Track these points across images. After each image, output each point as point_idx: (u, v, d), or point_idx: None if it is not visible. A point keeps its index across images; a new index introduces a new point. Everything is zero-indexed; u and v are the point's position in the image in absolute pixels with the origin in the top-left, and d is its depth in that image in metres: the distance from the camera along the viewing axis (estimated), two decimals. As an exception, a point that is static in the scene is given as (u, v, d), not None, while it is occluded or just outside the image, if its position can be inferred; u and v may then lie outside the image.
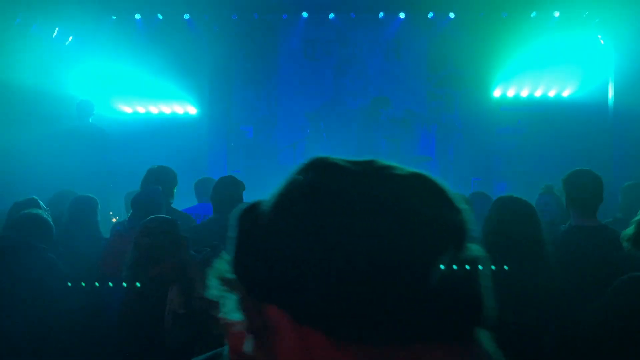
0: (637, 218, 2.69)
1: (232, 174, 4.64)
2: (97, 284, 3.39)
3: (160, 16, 9.07)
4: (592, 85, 8.76)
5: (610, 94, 8.54)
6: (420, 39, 9.54)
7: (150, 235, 2.84)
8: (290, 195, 0.63)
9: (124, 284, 2.86)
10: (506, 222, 3.08)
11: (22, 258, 3.36)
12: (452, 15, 9.07)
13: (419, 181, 0.64)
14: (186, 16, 9.11)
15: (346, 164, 0.64)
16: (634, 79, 7.87)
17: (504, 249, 3.03)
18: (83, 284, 3.39)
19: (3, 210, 4.39)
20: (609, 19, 8.22)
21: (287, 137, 9.59)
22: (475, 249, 0.64)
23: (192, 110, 9.60)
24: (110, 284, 3.27)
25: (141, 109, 9.64)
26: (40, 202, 4.27)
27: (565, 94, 9.10)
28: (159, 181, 4.34)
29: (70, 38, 8.94)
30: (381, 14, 9.26)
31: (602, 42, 8.62)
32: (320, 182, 0.63)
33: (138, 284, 2.81)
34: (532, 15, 8.60)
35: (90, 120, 7.50)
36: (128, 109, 9.58)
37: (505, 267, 3.03)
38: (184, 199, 5.35)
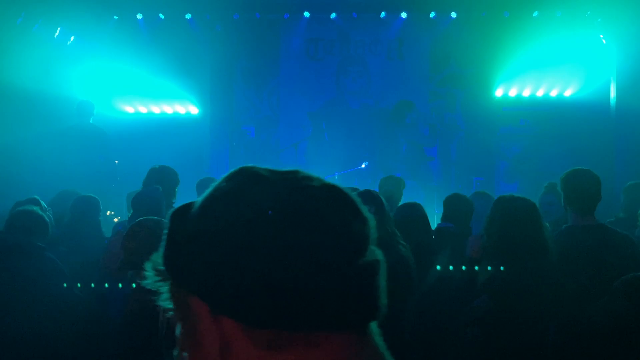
0: None
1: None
2: (92, 285, 3.39)
3: (162, 16, 9.07)
4: (594, 85, 8.74)
5: (613, 93, 8.52)
6: (422, 38, 9.53)
7: (136, 239, 2.80)
8: (213, 199, 0.73)
9: (120, 285, 2.85)
10: (508, 221, 3.08)
11: (20, 258, 3.35)
12: (454, 14, 9.06)
13: (331, 192, 0.73)
14: (188, 16, 9.11)
15: (268, 174, 0.74)
16: (636, 78, 7.86)
17: (507, 248, 3.03)
18: (79, 284, 3.39)
19: (5, 210, 4.40)
20: (611, 18, 8.20)
21: (289, 137, 9.59)
22: (377, 253, 0.73)
23: (194, 110, 9.61)
24: (107, 284, 3.27)
25: (143, 109, 9.64)
26: (42, 202, 4.28)
27: (568, 93, 9.09)
28: (161, 181, 4.35)
29: (72, 38, 8.94)
30: (383, 14, 9.25)
31: (604, 41, 8.60)
32: (240, 189, 0.72)
33: (134, 285, 2.80)
34: (534, 15, 8.59)
35: (90, 121, 7.51)
36: (130, 109, 9.59)
37: (502, 268, 3.03)
38: (185, 199, 5.34)
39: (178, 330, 0.74)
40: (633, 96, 7.87)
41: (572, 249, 3.16)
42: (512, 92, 9.21)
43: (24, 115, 7.42)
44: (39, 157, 6.91)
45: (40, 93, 7.64)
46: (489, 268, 3.10)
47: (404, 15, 9.24)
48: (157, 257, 0.75)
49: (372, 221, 0.75)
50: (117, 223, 4.93)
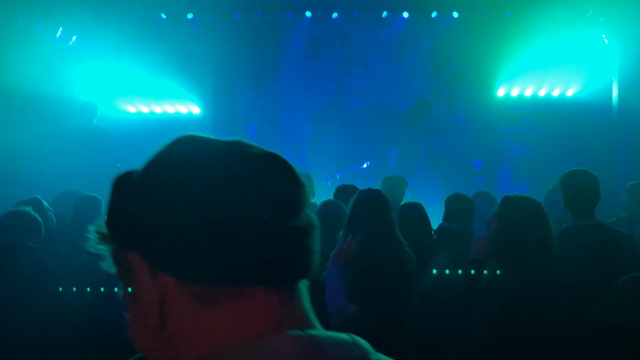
0: None
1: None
2: (88, 289, 3.38)
3: (163, 16, 9.08)
4: (596, 85, 8.73)
5: (615, 93, 8.51)
6: (423, 38, 9.52)
7: None
8: (153, 163, 0.77)
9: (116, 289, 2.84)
10: (514, 221, 3.07)
11: (8, 259, 3.34)
12: (455, 14, 9.06)
13: (270, 159, 0.77)
14: (189, 15, 9.12)
15: (209, 140, 0.79)
16: (638, 78, 7.85)
17: (512, 248, 3.02)
18: (75, 289, 3.38)
19: (6, 210, 4.40)
20: (613, 18, 8.19)
21: (291, 137, 9.60)
22: (312, 217, 0.77)
23: (196, 109, 9.61)
24: (102, 289, 3.26)
25: (145, 109, 9.65)
26: (44, 201, 4.28)
27: (570, 93, 9.08)
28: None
29: (74, 38, 8.95)
30: (384, 13, 9.25)
31: (606, 41, 8.59)
32: (179, 153, 0.77)
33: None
34: (535, 15, 8.57)
35: (94, 122, 7.53)
36: (132, 109, 9.60)
37: (498, 272, 3.03)
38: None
39: (119, 290, 0.78)
40: (635, 96, 7.86)
41: (573, 249, 3.15)
42: (514, 92, 9.20)
43: (26, 115, 7.43)
44: (41, 157, 6.91)
45: (41, 93, 7.65)
46: (497, 272, 3.09)
47: (405, 15, 9.24)
48: (101, 221, 0.79)
49: (308, 188, 0.79)
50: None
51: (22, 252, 3.40)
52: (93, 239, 0.78)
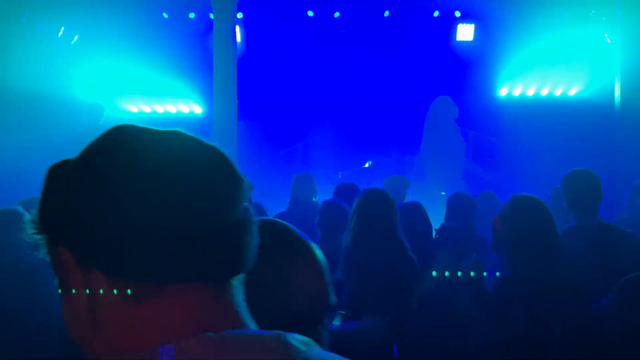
0: None
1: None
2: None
3: (165, 15, 9.08)
4: (598, 84, 8.71)
5: (617, 92, 8.49)
6: (424, 37, 9.51)
7: None
8: (86, 154, 0.74)
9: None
10: (522, 220, 3.06)
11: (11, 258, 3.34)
12: (457, 14, 9.05)
13: (205, 152, 0.75)
14: (191, 15, 9.12)
15: (146, 132, 0.75)
16: (641, 77, 7.83)
17: (521, 247, 3.01)
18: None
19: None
20: (615, 17, 8.17)
21: (293, 136, 9.60)
22: (249, 213, 0.75)
23: (198, 109, 9.62)
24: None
25: (147, 108, 9.66)
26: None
27: (572, 92, 9.06)
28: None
29: (76, 37, 8.96)
30: (386, 13, 9.25)
31: (608, 40, 8.57)
32: (111, 144, 0.74)
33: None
34: (536, 14, 8.56)
35: (100, 122, 7.53)
36: (134, 108, 9.61)
37: (498, 274, 3.02)
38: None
39: (55, 281, 0.76)
40: (637, 95, 7.83)
41: (575, 249, 3.15)
42: (516, 92, 9.19)
43: (28, 114, 7.43)
44: (43, 157, 6.91)
45: (43, 92, 7.66)
46: (497, 274, 3.08)
47: (407, 14, 9.24)
48: (35, 211, 0.77)
49: (245, 182, 0.77)
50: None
51: (6, 249, 3.41)
52: (29, 229, 0.76)
